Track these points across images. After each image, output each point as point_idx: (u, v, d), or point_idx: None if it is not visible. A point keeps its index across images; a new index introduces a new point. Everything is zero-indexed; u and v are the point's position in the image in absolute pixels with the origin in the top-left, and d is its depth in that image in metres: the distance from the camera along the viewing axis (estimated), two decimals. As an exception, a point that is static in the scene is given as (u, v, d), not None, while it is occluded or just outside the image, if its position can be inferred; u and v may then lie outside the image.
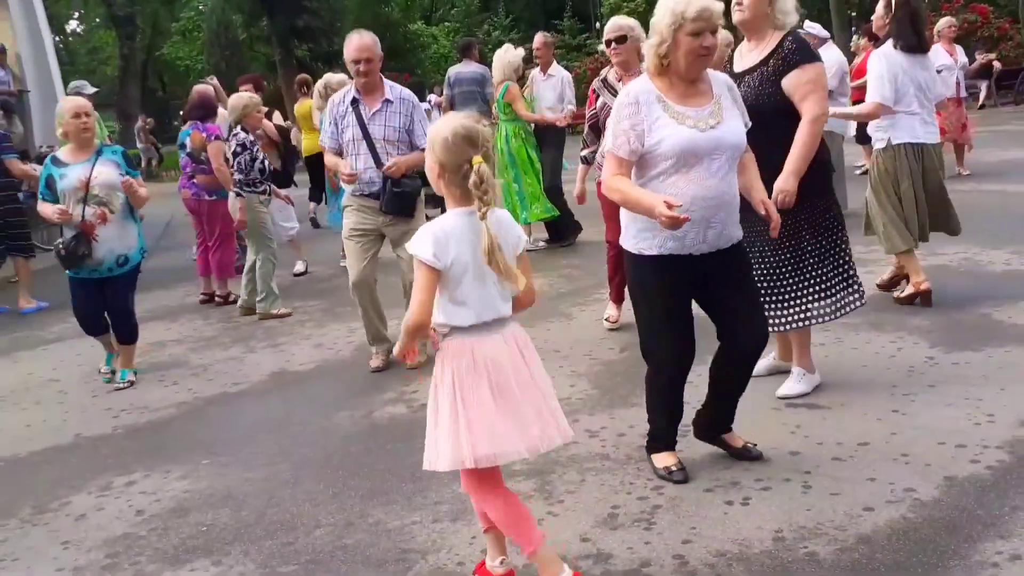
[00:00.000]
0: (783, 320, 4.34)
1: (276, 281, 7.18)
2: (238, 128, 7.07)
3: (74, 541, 3.61)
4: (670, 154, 3.37)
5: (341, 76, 7.69)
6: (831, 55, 7.96)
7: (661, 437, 3.80)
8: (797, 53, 4.09)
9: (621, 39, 5.49)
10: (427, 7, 37.16)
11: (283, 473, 4.10)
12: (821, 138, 4.21)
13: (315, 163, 9.79)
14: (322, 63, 27.43)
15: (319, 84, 8.45)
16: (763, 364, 4.73)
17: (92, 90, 9.91)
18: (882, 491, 3.38)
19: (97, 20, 43.17)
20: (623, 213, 3.62)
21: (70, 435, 4.89)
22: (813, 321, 4.33)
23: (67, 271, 5.57)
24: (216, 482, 4.08)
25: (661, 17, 3.38)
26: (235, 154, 6.98)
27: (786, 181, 4.03)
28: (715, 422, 3.87)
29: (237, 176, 7.02)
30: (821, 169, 4.28)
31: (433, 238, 2.73)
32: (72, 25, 46.31)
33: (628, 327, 5.71)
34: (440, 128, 2.79)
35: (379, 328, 5.59)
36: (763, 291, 4.30)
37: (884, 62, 5.46)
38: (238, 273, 8.74)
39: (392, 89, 5.46)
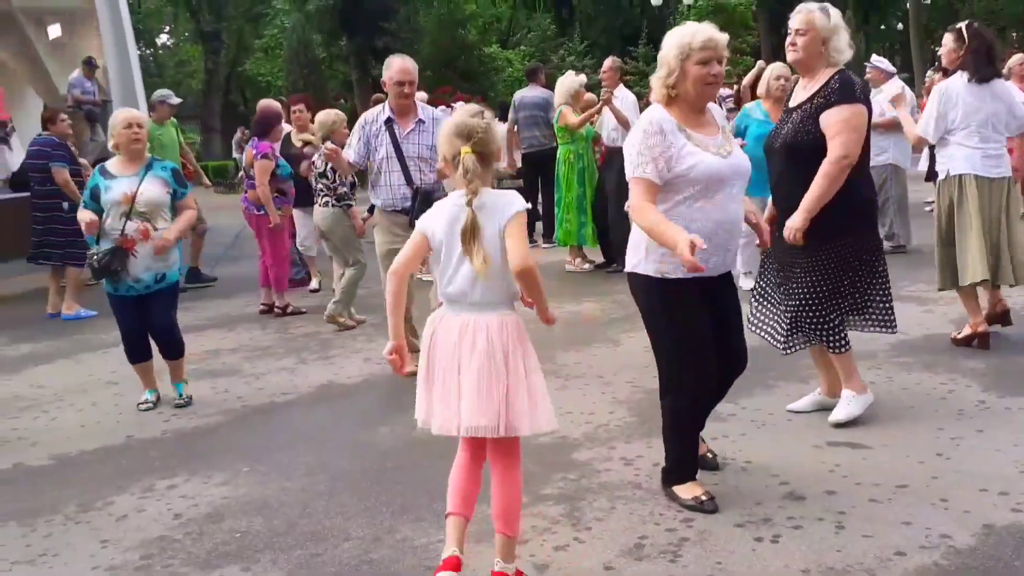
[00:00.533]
0: (816, 335, 4.36)
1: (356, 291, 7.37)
2: (324, 144, 7.31)
3: (113, 540, 3.71)
4: (699, 180, 3.46)
5: None
6: (893, 89, 7.83)
7: (687, 467, 3.77)
8: (837, 92, 4.10)
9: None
10: (504, 31, 37.53)
11: (319, 484, 4.17)
12: (867, 175, 4.19)
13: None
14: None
15: None
16: (808, 400, 4.68)
17: (177, 100, 10.18)
18: (917, 536, 3.30)
19: (186, 34, 44.60)
20: (639, 236, 3.61)
21: (122, 436, 5.03)
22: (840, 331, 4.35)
23: (106, 290, 5.47)
24: (254, 490, 4.16)
25: (668, 49, 3.54)
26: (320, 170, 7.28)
27: (795, 219, 4.12)
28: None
29: (322, 187, 7.28)
30: (864, 206, 4.28)
31: (429, 212, 3.09)
32: (162, 39, 47.92)
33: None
34: (446, 123, 3.10)
35: (412, 340, 5.68)
36: (791, 319, 4.36)
37: (937, 96, 5.39)
38: (298, 284, 8.97)
39: (424, 110, 5.76)
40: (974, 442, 4.12)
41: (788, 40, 4.27)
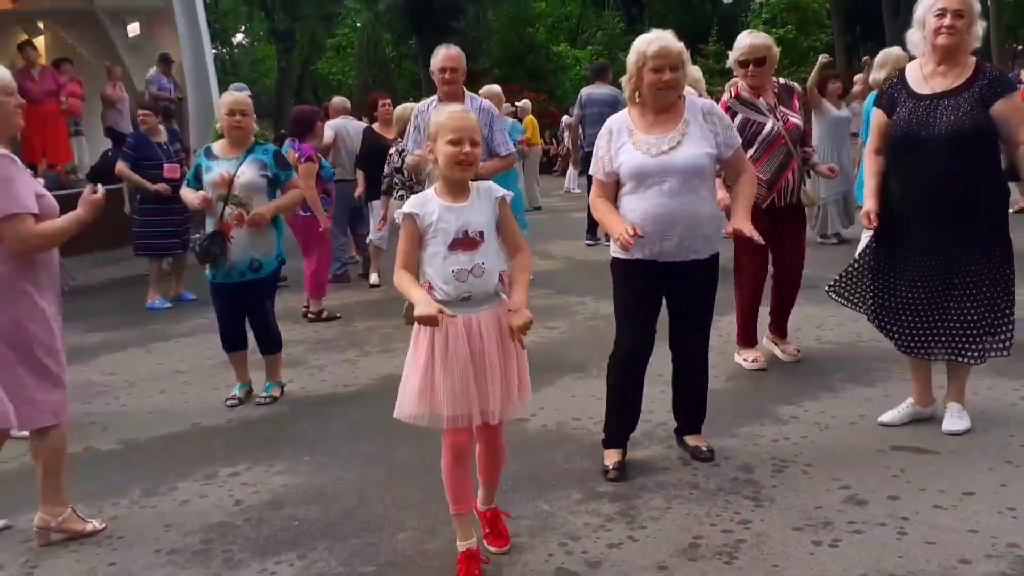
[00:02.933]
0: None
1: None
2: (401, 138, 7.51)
3: (175, 525, 3.80)
4: (627, 176, 3.92)
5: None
6: None
7: (610, 433, 4.17)
8: (1001, 79, 4.07)
9: (760, 61, 5.29)
10: (572, 29, 37.46)
11: (376, 475, 4.21)
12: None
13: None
14: (467, 82, 28.07)
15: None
16: (901, 412, 4.48)
17: (249, 93, 10.39)
18: (983, 544, 3.20)
19: (261, 34, 45.44)
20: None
21: (187, 424, 5.15)
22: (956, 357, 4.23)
23: (206, 275, 5.45)
24: (313, 479, 4.22)
25: (630, 56, 3.92)
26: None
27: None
28: (681, 424, 4.31)
29: (398, 181, 7.47)
30: (1007, 201, 4.26)
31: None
32: (238, 38, 48.89)
33: (730, 359, 5.61)
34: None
35: None
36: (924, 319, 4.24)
37: None
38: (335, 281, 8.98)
39: (472, 100, 5.80)
40: (1046, 451, 3.98)
41: (944, 23, 4.03)
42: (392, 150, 7.97)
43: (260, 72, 46.23)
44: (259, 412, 5.30)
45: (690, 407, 4.27)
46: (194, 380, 6.06)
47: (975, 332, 4.14)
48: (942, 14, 4.05)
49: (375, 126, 9.23)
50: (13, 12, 13.94)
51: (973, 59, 4.13)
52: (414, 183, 7.20)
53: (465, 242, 3.13)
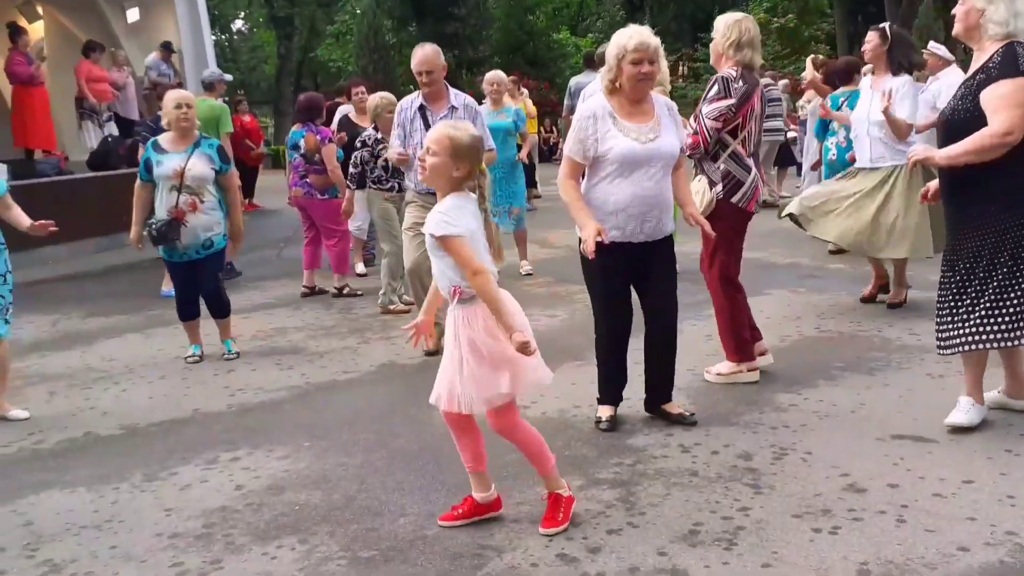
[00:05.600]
0: (960, 339, 4.09)
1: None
2: (370, 127, 7.34)
3: (176, 509, 3.81)
4: (615, 160, 4.14)
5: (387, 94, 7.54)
6: (951, 78, 7.58)
7: (603, 391, 4.55)
8: (998, 67, 3.91)
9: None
10: (573, 16, 37.33)
11: (377, 461, 4.22)
12: None
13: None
14: (466, 70, 27.92)
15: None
16: (988, 397, 4.37)
17: (228, 77, 10.45)
18: (981, 532, 3.21)
19: (260, 20, 45.25)
20: None
21: (188, 409, 5.16)
22: (985, 345, 4.05)
23: (162, 255, 6.12)
24: (314, 464, 4.23)
25: (610, 49, 4.18)
26: (356, 149, 7.28)
27: (926, 151, 4.16)
28: (654, 394, 4.55)
29: (352, 171, 7.29)
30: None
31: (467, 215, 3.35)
32: (237, 24, 48.68)
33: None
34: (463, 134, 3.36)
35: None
36: (948, 305, 4.14)
37: None
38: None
39: (457, 97, 5.92)
40: (1046, 439, 3.99)
41: (955, 12, 4.12)
42: (362, 138, 7.38)
43: (259, 59, 46.04)
44: (259, 399, 5.30)
45: (669, 374, 4.54)
46: (194, 366, 6.06)
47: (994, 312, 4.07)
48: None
49: (351, 114, 9.12)
50: (12, -3, 13.91)
51: (996, 45, 3.95)
52: (380, 178, 7.18)
53: None
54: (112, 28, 14.64)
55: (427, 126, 5.75)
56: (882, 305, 6.66)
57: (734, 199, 4.83)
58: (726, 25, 4.89)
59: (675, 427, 4.42)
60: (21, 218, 5.14)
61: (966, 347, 4.06)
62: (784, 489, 3.67)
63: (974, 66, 4.06)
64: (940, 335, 4.18)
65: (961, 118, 3.99)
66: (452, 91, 5.98)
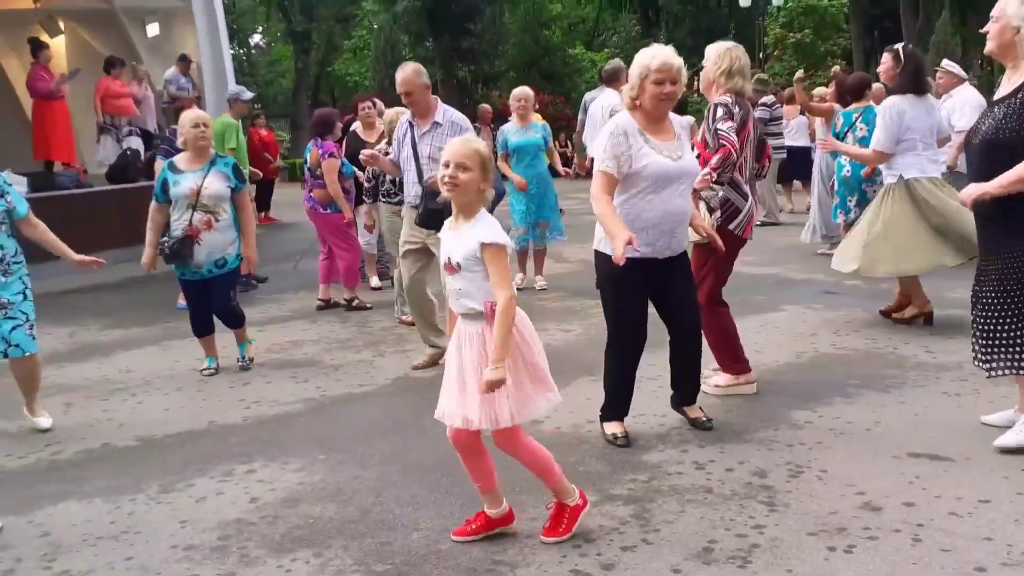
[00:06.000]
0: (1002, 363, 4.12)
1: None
2: (383, 142, 7.41)
3: (191, 521, 3.83)
4: (650, 177, 4.17)
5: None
6: (965, 95, 7.56)
7: (614, 408, 4.53)
8: None
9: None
10: (589, 31, 37.44)
11: (392, 474, 4.23)
12: None
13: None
14: (482, 85, 28.05)
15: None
16: (1003, 416, 4.40)
17: (250, 95, 10.38)
18: (998, 552, 3.19)
19: (278, 35, 45.61)
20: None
21: (204, 422, 5.18)
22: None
23: (175, 273, 6.11)
24: (329, 477, 4.24)
25: (633, 68, 4.23)
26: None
27: (986, 185, 3.95)
28: (681, 397, 4.66)
29: (366, 185, 7.43)
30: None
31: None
32: (255, 38, 49.10)
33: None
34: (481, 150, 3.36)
35: (425, 332, 6.10)
36: (983, 333, 4.17)
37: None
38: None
39: (444, 113, 5.93)
40: (1064, 459, 3.96)
41: (988, 30, 4.10)
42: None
43: (277, 73, 46.37)
44: (274, 411, 5.33)
45: (694, 379, 4.65)
46: (210, 378, 6.09)
47: (993, 341, 4.16)
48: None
49: (357, 129, 9.15)
50: (34, 11, 14.05)
51: None
52: (390, 191, 7.29)
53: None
54: (132, 42, 14.79)
55: (412, 140, 5.86)
56: (898, 323, 6.63)
57: (731, 226, 4.84)
58: (717, 54, 4.93)
59: (690, 444, 4.41)
60: (66, 252, 5.11)
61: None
62: (799, 507, 3.65)
63: (1009, 85, 4.02)
64: (981, 355, 4.19)
65: (1008, 137, 3.92)
66: (442, 107, 5.97)
